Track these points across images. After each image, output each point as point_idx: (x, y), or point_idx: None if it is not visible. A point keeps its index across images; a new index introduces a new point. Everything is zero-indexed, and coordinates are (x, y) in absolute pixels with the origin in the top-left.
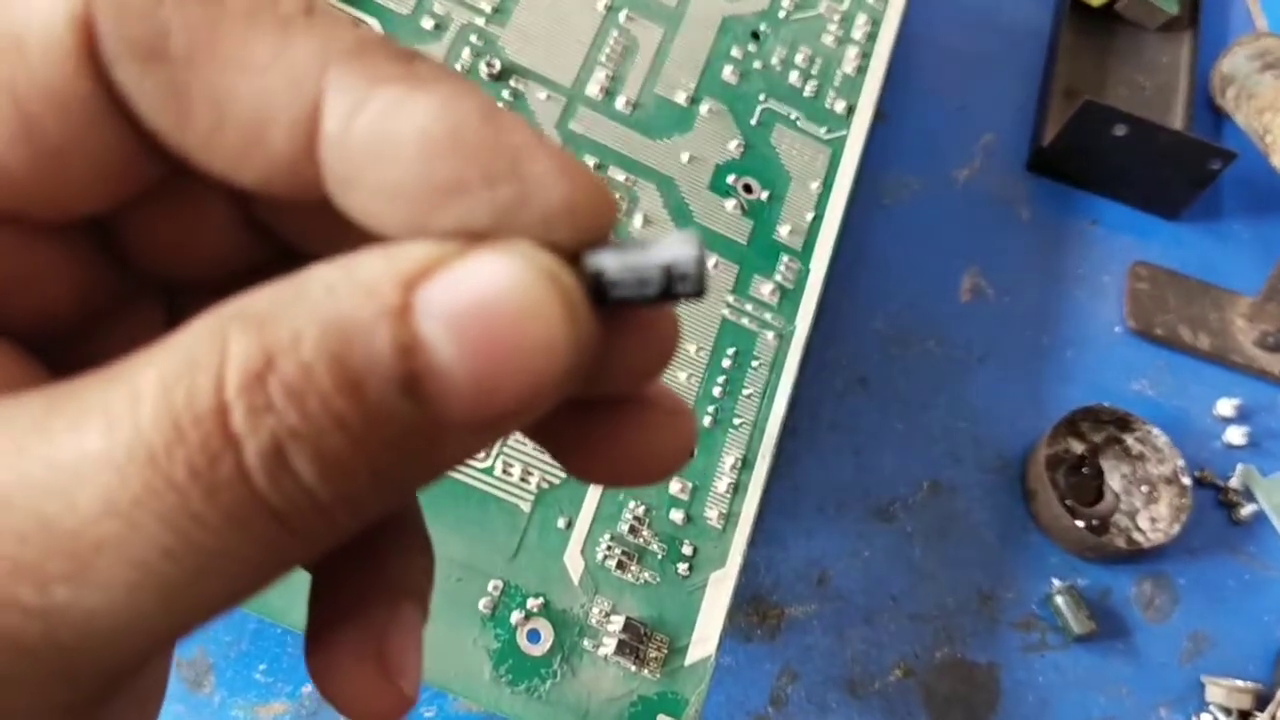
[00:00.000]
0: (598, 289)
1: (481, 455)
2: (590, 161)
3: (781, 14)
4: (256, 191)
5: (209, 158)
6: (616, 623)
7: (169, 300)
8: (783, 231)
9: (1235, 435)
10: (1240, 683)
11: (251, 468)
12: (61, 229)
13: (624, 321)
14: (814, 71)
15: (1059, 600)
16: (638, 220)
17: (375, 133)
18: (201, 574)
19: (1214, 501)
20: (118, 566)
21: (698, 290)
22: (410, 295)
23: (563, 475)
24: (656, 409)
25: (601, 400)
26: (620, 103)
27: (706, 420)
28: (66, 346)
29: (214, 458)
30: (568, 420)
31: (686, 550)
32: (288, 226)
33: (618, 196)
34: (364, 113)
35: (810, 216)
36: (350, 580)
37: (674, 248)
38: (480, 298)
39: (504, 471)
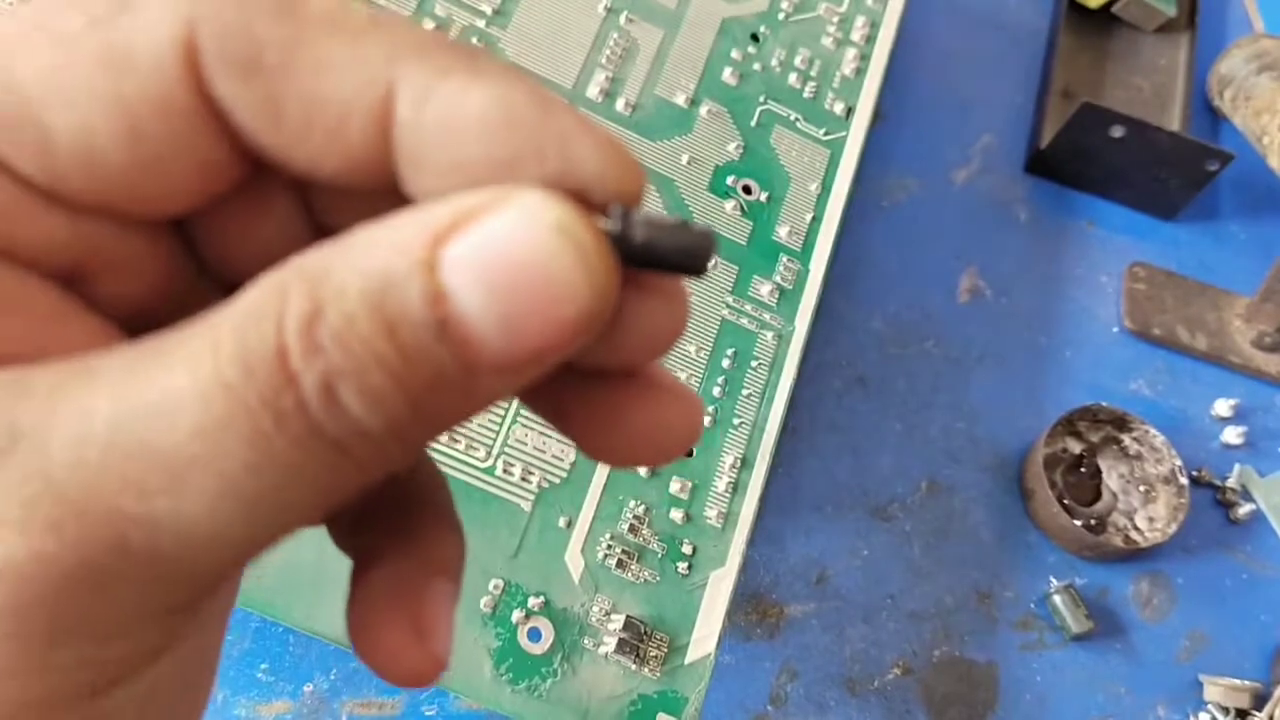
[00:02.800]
0: (625, 249)
1: (482, 455)
2: None
3: (780, 16)
4: (336, 182)
5: (297, 154)
6: (617, 621)
7: (228, 287)
8: (782, 232)
9: (1232, 435)
10: (1238, 681)
11: (308, 399)
12: (152, 224)
13: (639, 290)
14: (813, 73)
15: (1057, 599)
16: None
17: (442, 116)
18: (274, 489)
19: (1211, 501)
20: (207, 479)
21: (701, 267)
22: (439, 250)
23: (563, 475)
24: (666, 390)
25: (615, 376)
26: (620, 104)
27: (706, 420)
28: (144, 331)
29: (278, 390)
30: (582, 399)
31: (686, 549)
32: (346, 220)
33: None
34: (432, 100)
35: (809, 217)
36: (389, 559)
37: (693, 232)
38: (497, 249)
39: (504, 471)
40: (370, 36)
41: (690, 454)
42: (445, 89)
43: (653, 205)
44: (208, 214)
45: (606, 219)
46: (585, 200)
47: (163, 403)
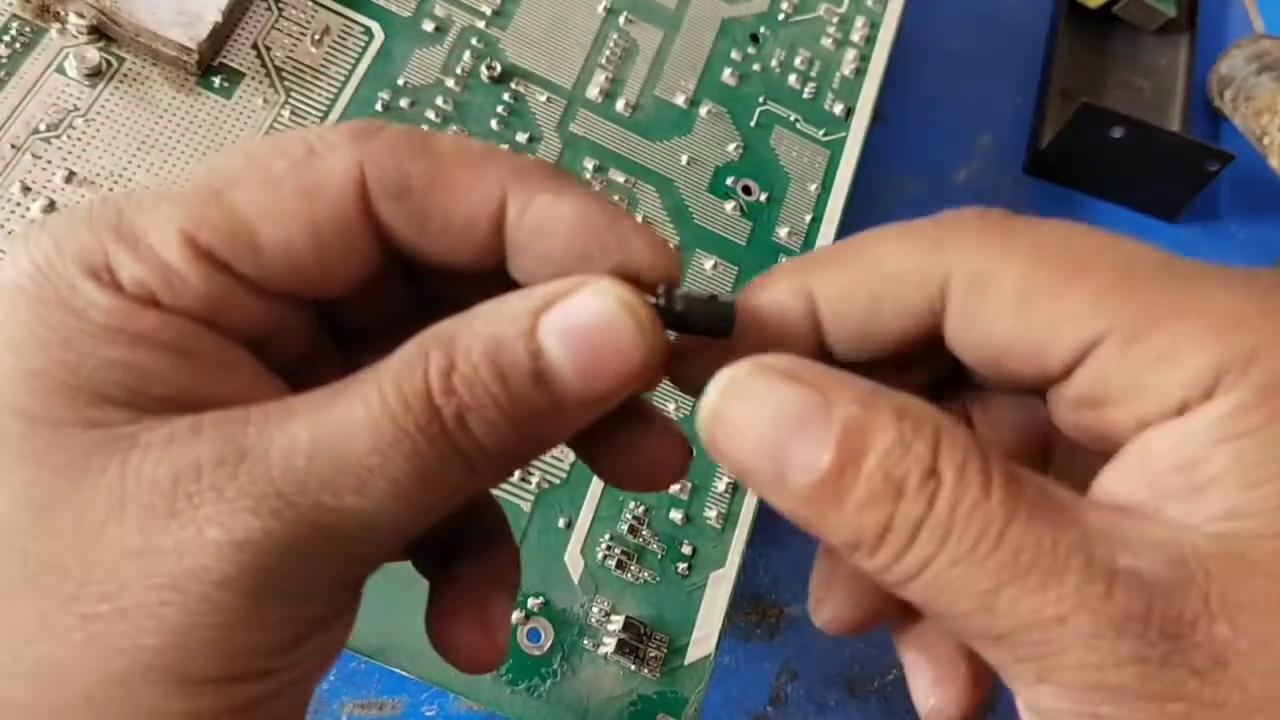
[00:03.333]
0: (671, 318)
1: None
2: (589, 163)
3: (780, 17)
4: (460, 269)
5: (435, 251)
6: (616, 622)
7: (344, 349)
8: (781, 233)
9: None
10: None
11: (448, 426)
12: (312, 303)
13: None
14: (813, 74)
15: None
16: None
17: (538, 221)
18: (424, 490)
19: None
20: (381, 483)
21: (727, 330)
22: (537, 320)
23: (563, 476)
24: (667, 433)
25: (623, 416)
26: (620, 105)
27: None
28: (293, 383)
29: (429, 419)
30: (598, 438)
31: (686, 550)
32: (450, 291)
33: (674, 247)
34: (530, 209)
35: (809, 218)
36: (463, 576)
37: (721, 305)
38: (579, 319)
39: None
40: (486, 164)
41: (690, 453)
42: (540, 200)
43: (652, 207)
44: (352, 294)
45: (656, 296)
46: (639, 282)
47: (348, 428)
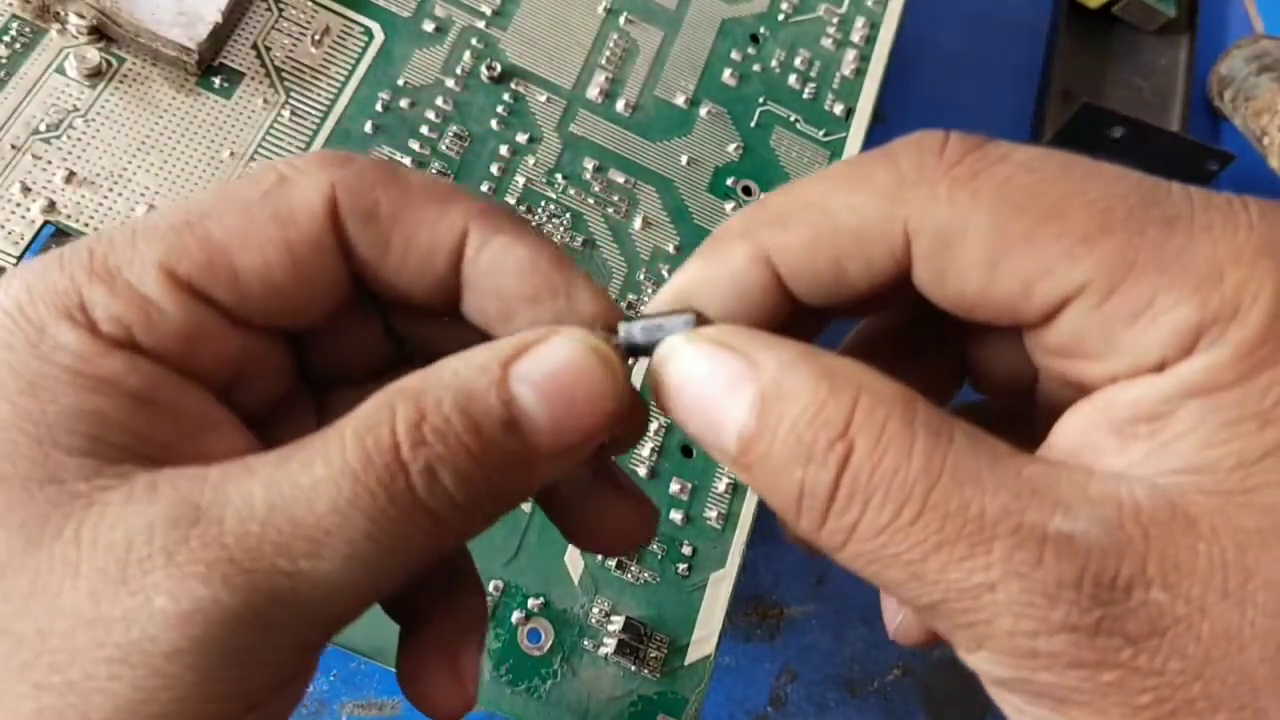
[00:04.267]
0: (630, 348)
1: None
2: (589, 163)
3: (780, 17)
4: (417, 302)
5: (396, 280)
6: (616, 623)
7: (317, 396)
8: None
9: None
10: None
11: (415, 481)
12: (284, 340)
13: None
14: (813, 74)
15: None
16: (637, 222)
17: (494, 259)
18: (387, 551)
19: None
20: (338, 544)
21: None
22: (508, 370)
23: None
24: (636, 500)
25: (595, 482)
26: (620, 105)
27: None
28: (259, 426)
29: (393, 475)
30: (570, 503)
31: (686, 550)
32: (413, 333)
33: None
34: (487, 249)
35: None
36: (432, 622)
37: (678, 323)
38: (550, 366)
39: None
40: (452, 201)
41: (690, 454)
42: (499, 240)
43: (652, 207)
44: (321, 329)
45: (615, 335)
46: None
47: (305, 488)
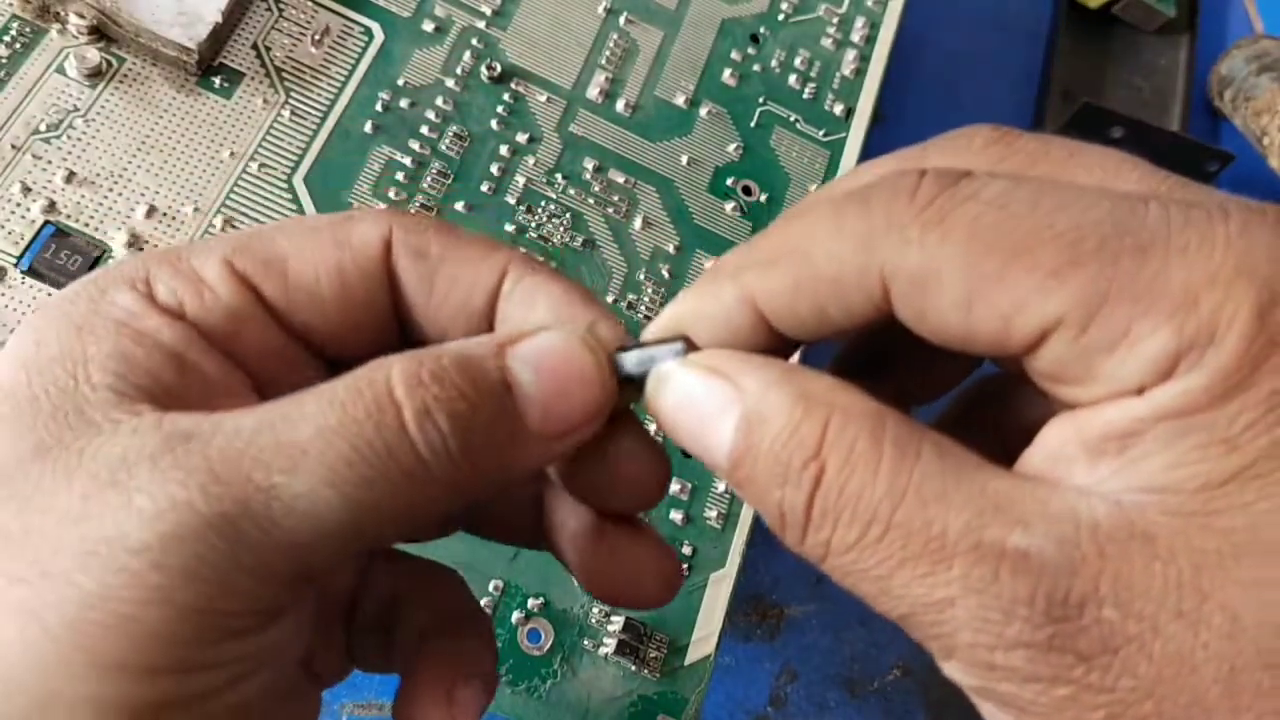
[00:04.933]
0: (625, 378)
1: None
2: (590, 163)
3: (780, 17)
4: (464, 333)
5: (437, 316)
6: (616, 623)
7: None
8: None
9: None
10: None
11: (407, 420)
12: (323, 364)
13: (628, 459)
14: (813, 74)
15: None
16: (637, 222)
17: (526, 294)
18: (365, 482)
19: None
20: (315, 466)
21: None
22: (504, 348)
23: None
24: (656, 549)
25: (613, 525)
26: (620, 105)
27: None
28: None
29: (381, 408)
30: (586, 543)
31: (686, 550)
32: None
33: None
34: (522, 284)
35: None
36: (430, 665)
37: (669, 351)
38: (544, 348)
39: None
40: (495, 249)
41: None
42: (532, 279)
43: (652, 207)
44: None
45: (615, 359)
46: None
47: (293, 417)
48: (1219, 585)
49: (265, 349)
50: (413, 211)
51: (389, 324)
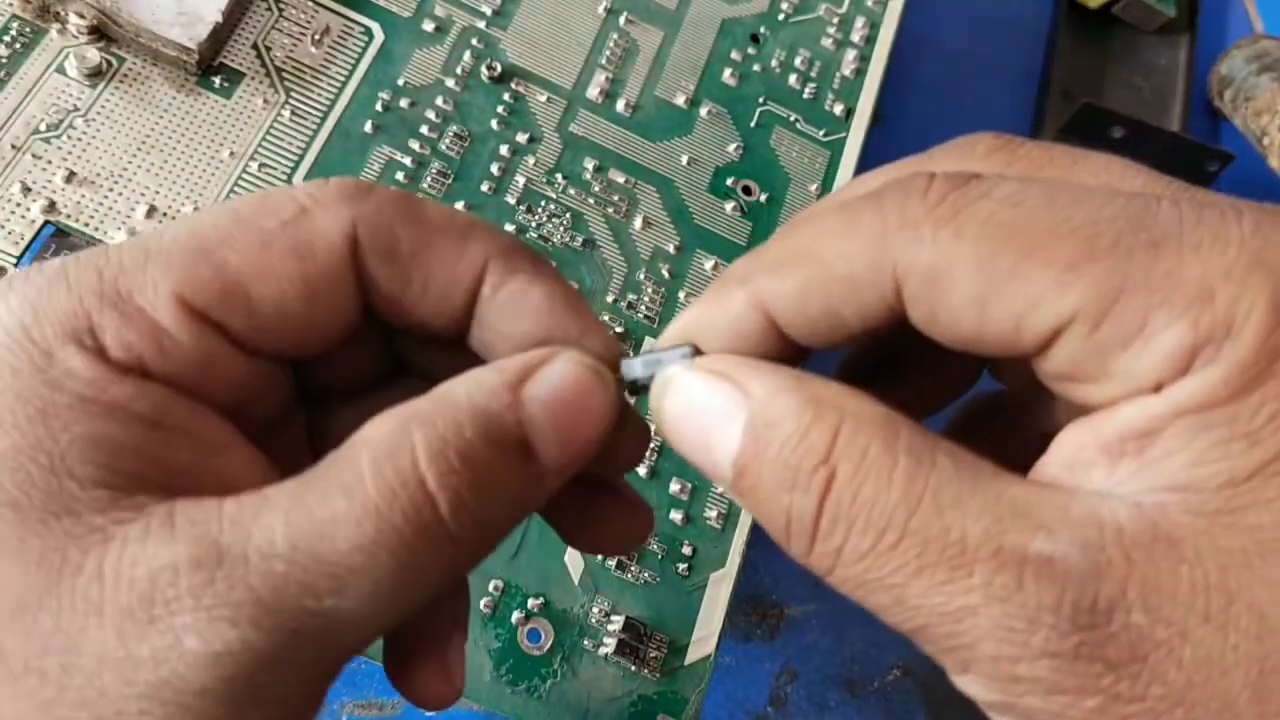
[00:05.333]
0: (631, 385)
1: None
2: (590, 163)
3: (780, 17)
4: (431, 334)
5: (414, 313)
6: (616, 622)
7: (309, 409)
8: None
9: None
10: None
11: (444, 512)
12: (287, 361)
13: (621, 424)
14: (813, 74)
15: None
16: (638, 222)
17: (509, 303)
18: (411, 585)
19: None
20: (363, 583)
21: None
22: (518, 393)
23: None
24: (630, 503)
25: (595, 485)
26: (620, 105)
27: None
28: (263, 444)
29: (419, 508)
30: (569, 507)
31: (686, 550)
32: (416, 355)
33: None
34: (504, 290)
35: None
36: (418, 620)
37: (675, 355)
38: (559, 387)
39: None
40: (471, 237)
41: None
42: (514, 283)
43: (652, 207)
44: (328, 352)
45: (620, 367)
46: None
47: (327, 525)
48: (1245, 585)
49: (234, 383)
50: (375, 189)
51: (357, 318)
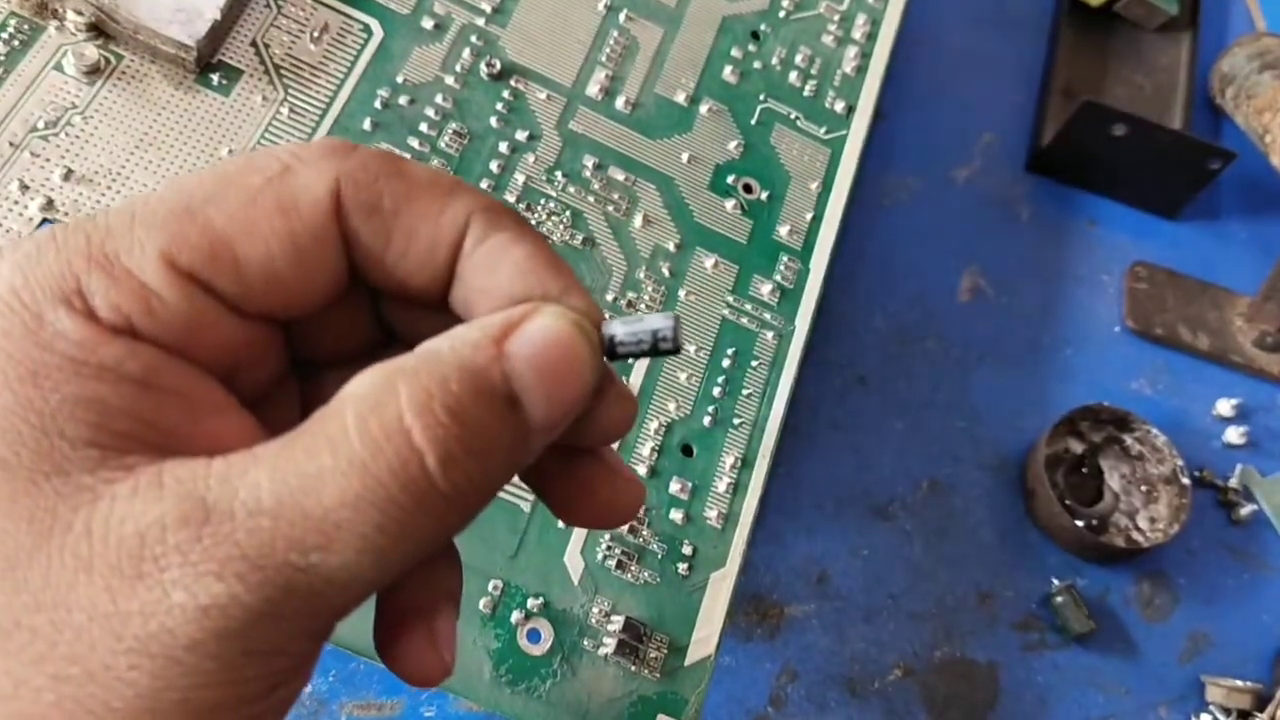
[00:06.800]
0: (610, 347)
1: None
2: (589, 161)
3: (781, 14)
4: (416, 294)
5: (395, 271)
6: (616, 622)
7: (301, 377)
8: (782, 231)
9: (1234, 435)
10: (1239, 683)
11: (431, 468)
12: (280, 326)
13: (605, 391)
14: (813, 71)
15: (1058, 600)
16: (638, 220)
17: (489, 258)
18: (398, 540)
19: (1213, 501)
20: (349, 538)
21: (675, 348)
22: (503, 346)
23: None
24: (621, 475)
25: (584, 456)
26: (620, 102)
27: (706, 420)
28: (255, 408)
29: (405, 462)
30: (559, 478)
31: (686, 550)
32: (400, 320)
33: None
34: (484, 245)
35: (810, 216)
36: (407, 588)
37: (659, 320)
38: (542, 342)
39: None
40: (455, 195)
41: (691, 453)
42: (496, 239)
43: (653, 205)
44: (316, 315)
45: (601, 329)
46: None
47: (313, 480)
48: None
49: (225, 345)
50: (358, 147)
51: (343, 277)
